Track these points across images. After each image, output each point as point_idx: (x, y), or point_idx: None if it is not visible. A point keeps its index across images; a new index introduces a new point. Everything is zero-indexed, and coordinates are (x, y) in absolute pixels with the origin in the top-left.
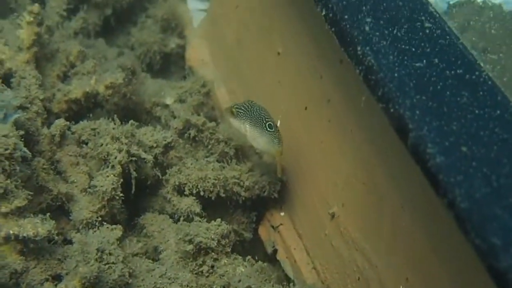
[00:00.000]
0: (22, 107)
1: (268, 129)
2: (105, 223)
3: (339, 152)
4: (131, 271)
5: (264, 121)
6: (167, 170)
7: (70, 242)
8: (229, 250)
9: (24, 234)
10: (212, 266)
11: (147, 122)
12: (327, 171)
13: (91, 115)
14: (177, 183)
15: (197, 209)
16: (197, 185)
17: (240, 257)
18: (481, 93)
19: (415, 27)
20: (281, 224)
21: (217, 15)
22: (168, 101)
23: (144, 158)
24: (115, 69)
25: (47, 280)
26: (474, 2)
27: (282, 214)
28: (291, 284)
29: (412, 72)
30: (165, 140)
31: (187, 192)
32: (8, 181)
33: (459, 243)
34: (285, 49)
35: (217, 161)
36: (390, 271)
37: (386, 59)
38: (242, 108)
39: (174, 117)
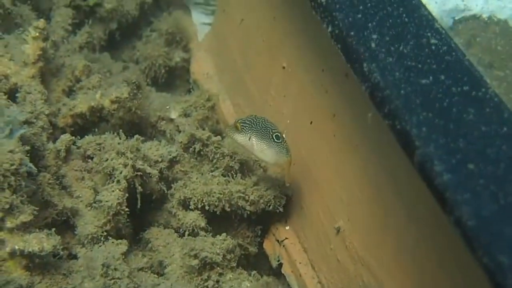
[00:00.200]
0: (27, 122)
1: (276, 140)
2: (110, 238)
3: (344, 167)
4: (136, 286)
5: (271, 132)
6: (172, 185)
7: (75, 257)
8: (234, 265)
9: (30, 249)
10: (217, 281)
11: (152, 136)
12: (333, 186)
13: (96, 129)
14: (182, 198)
15: (202, 223)
16: (202, 200)
17: (245, 272)
18: (487, 110)
19: (421, 44)
20: (286, 238)
21: (222, 28)
22: (173, 115)
23: (149, 173)
24: (120, 83)
25: None
26: (479, 18)
27: (287, 228)
28: None
29: (418, 89)
30: (170, 155)
31: (192, 207)
32: (14, 197)
33: (466, 260)
34: (290, 63)
35: (222, 175)
36: (396, 286)
37: (393, 76)
38: (247, 122)
39: (179, 131)
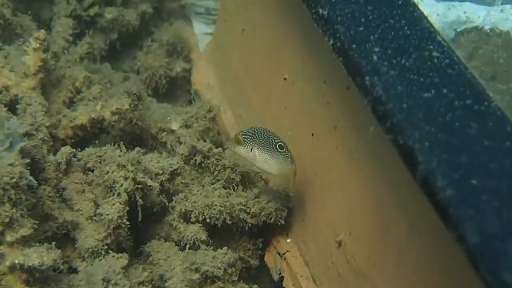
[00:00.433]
0: (28, 135)
1: (279, 150)
2: (110, 251)
3: (346, 180)
4: None
5: (274, 143)
6: (173, 197)
7: (75, 270)
8: (235, 278)
9: (30, 263)
10: None
11: (153, 147)
12: (334, 199)
13: (97, 141)
14: (183, 210)
15: (203, 236)
16: (203, 212)
17: (247, 285)
18: (490, 124)
19: (423, 57)
20: (287, 251)
21: (223, 39)
22: (174, 126)
23: (150, 185)
24: (121, 94)
25: None
26: (481, 30)
27: (289, 241)
28: None
29: (420, 103)
30: (171, 167)
31: (193, 219)
32: (14, 210)
33: (469, 276)
34: (291, 74)
35: (223, 187)
36: None
37: (395, 89)
38: (248, 133)
39: (180, 143)
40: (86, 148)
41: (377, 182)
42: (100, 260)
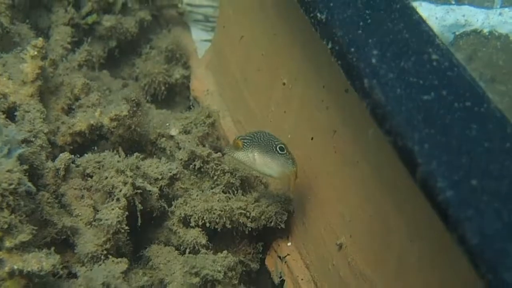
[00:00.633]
0: (26, 141)
1: (280, 152)
2: (110, 256)
3: (345, 183)
4: None
5: (274, 145)
6: (172, 202)
7: (75, 275)
8: (236, 282)
9: (29, 269)
10: None
11: (152, 153)
12: (334, 202)
13: (95, 147)
14: (182, 215)
15: (203, 240)
16: (203, 217)
17: None
18: (490, 125)
19: (422, 59)
20: (288, 254)
21: (222, 45)
22: (173, 132)
23: (150, 190)
24: (119, 101)
25: None
26: (480, 33)
27: (289, 244)
28: None
29: (420, 105)
30: (170, 172)
31: (193, 224)
32: (13, 216)
33: (469, 278)
34: (290, 79)
35: (223, 192)
36: None
37: (394, 92)
38: (247, 138)
39: (179, 148)
40: (85, 155)
41: (377, 185)
42: (100, 265)
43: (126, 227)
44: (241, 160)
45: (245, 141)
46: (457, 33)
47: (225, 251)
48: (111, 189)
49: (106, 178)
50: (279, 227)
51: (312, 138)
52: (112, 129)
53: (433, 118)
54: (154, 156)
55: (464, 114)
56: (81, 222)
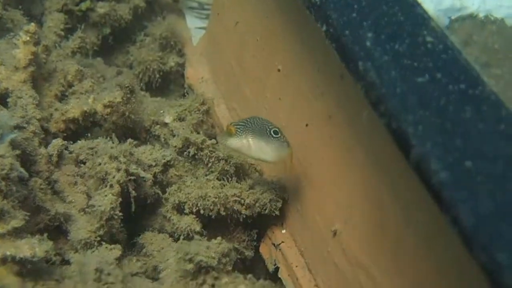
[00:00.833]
0: (18, 127)
1: (274, 135)
2: (103, 243)
3: (341, 169)
4: None
5: (268, 129)
6: (166, 189)
7: (68, 262)
8: (230, 268)
9: (21, 255)
10: (213, 285)
11: (146, 140)
12: (329, 189)
13: (89, 134)
14: (176, 202)
15: (197, 227)
16: (197, 204)
17: (241, 275)
18: (484, 108)
19: (417, 42)
20: (282, 241)
21: (217, 32)
22: (167, 119)
23: (143, 177)
24: (113, 88)
25: None
26: (476, 17)
27: (284, 231)
28: None
29: (414, 88)
30: (165, 159)
31: (187, 211)
32: (5, 202)
33: (465, 261)
34: (285, 65)
35: (217, 179)
36: None
37: (388, 74)
38: (241, 124)
39: (174, 136)
40: (78, 141)
41: (372, 170)
42: (93, 251)
43: (120, 214)
44: (235, 147)
45: (238, 126)
46: (452, 17)
47: (219, 238)
48: (104, 175)
49: (100, 164)
50: (274, 214)
51: (307, 125)
52: (106, 116)
53: (428, 100)
54: (148, 143)
55: (459, 96)
56: (74, 208)
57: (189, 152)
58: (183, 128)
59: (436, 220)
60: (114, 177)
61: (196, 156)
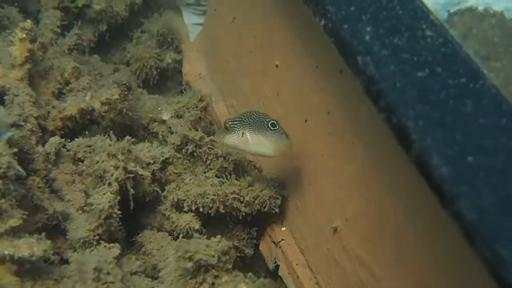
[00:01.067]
0: (15, 125)
1: (272, 128)
2: (102, 242)
3: (340, 166)
4: None
5: (265, 122)
6: (165, 187)
7: (67, 261)
8: (230, 266)
9: (20, 255)
10: (213, 284)
11: (144, 138)
12: (329, 185)
13: (87, 132)
14: (175, 200)
15: (197, 225)
16: (196, 201)
17: (242, 273)
18: (485, 101)
19: (416, 36)
20: (282, 239)
21: (214, 28)
22: (165, 116)
23: (142, 175)
24: (110, 85)
25: None
26: (475, 10)
27: (284, 229)
28: None
29: (414, 82)
30: (163, 156)
31: (186, 209)
32: (3, 201)
33: (466, 256)
34: (283, 61)
35: (216, 176)
36: (395, 285)
37: (387, 68)
38: (237, 119)
39: (172, 133)
40: (76, 139)
41: (371, 166)
42: (92, 250)
43: (118, 212)
44: (233, 144)
45: (235, 122)
46: (451, 11)
47: (218, 236)
48: (102, 173)
49: (97, 162)
50: (273, 212)
51: (306, 121)
52: (103, 113)
53: (428, 94)
54: (146, 141)
55: (459, 90)
56: (73, 207)
57: (187, 149)
58: (181, 125)
59: (436, 215)
60: (112, 175)
61: (195, 153)
